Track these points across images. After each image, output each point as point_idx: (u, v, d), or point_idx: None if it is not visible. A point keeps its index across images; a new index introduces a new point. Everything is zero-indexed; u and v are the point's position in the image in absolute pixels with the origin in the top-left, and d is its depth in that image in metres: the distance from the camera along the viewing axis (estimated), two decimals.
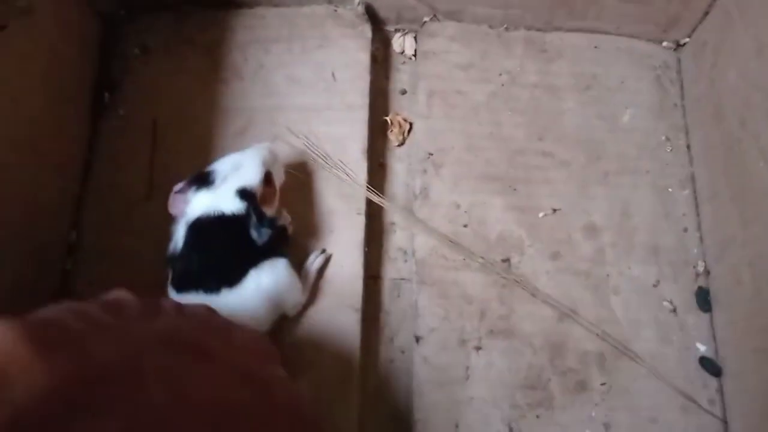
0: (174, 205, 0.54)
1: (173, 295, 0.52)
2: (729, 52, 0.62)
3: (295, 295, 0.56)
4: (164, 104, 0.65)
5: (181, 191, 0.54)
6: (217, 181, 0.53)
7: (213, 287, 0.51)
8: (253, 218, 0.52)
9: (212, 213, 0.52)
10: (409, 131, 0.68)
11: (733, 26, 0.62)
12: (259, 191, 0.53)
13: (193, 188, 0.53)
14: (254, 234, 0.52)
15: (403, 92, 0.69)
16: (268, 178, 0.55)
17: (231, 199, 0.52)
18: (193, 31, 0.67)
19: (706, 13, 0.66)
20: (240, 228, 0.52)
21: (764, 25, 0.57)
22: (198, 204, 0.52)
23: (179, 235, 0.52)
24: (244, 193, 0.52)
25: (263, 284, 0.52)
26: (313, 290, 0.58)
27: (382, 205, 0.63)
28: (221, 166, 0.54)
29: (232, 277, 0.52)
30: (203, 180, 0.53)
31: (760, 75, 0.57)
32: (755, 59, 0.58)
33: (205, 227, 0.51)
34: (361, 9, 0.66)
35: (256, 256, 0.53)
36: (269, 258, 0.53)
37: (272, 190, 0.56)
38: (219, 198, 0.52)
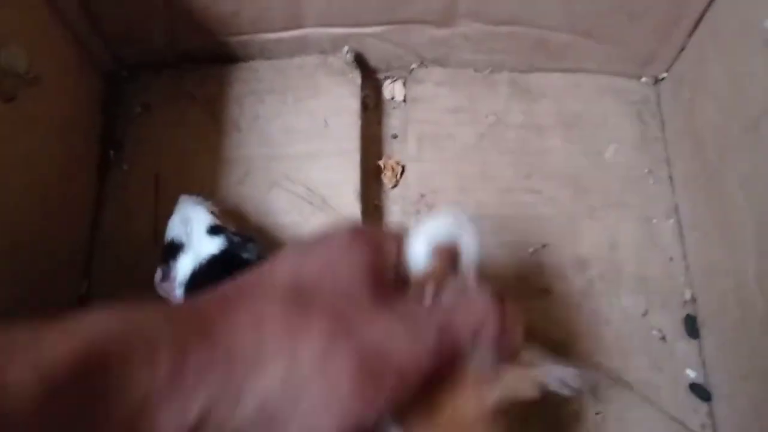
0: (166, 291, 0.55)
1: None
2: (705, 85, 0.65)
3: None
4: (166, 157, 0.68)
5: (164, 276, 0.55)
6: (185, 240, 0.55)
7: None
8: (236, 241, 0.54)
9: (200, 264, 0.54)
10: (402, 174, 0.70)
11: (707, 60, 0.64)
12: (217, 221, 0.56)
13: (171, 263, 0.55)
14: (246, 254, 0.54)
15: (395, 137, 0.72)
16: (213, 213, 0.57)
17: (207, 241, 0.54)
18: (191, 86, 0.71)
19: (682, 49, 0.69)
20: (231, 265, 0.54)
21: (737, 59, 0.59)
22: (184, 268, 0.54)
23: (179, 300, 0.54)
24: (214, 229, 0.55)
25: None
26: None
27: None
28: (175, 229, 0.56)
29: None
30: (173, 250, 0.55)
31: (735, 107, 0.59)
32: (731, 94, 0.60)
33: (200, 279, 0.54)
34: (350, 57, 0.70)
35: None
36: None
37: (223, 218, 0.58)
38: (196, 249, 0.54)
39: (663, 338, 0.64)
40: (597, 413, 0.61)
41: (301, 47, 0.70)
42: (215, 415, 0.29)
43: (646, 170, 0.70)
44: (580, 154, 0.70)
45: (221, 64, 0.72)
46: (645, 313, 0.65)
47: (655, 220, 0.69)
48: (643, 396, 0.62)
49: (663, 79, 0.73)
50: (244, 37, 0.70)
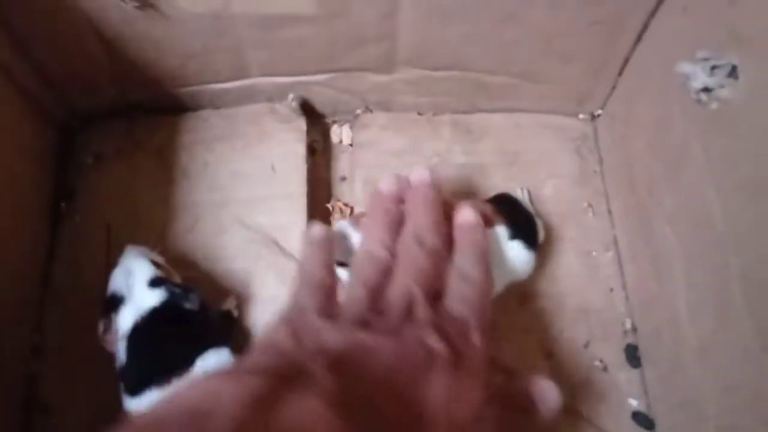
0: (109, 344, 0.57)
1: (128, 401, 0.55)
2: (635, 124, 0.68)
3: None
4: (117, 207, 0.69)
5: (105, 329, 0.57)
6: (125, 293, 0.57)
7: (162, 381, 0.54)
8: (177, 292, 0.56)
9: (141, 317, 0.55)
10: (351, 215, 0.72)
11: (635, 100, 0.67)
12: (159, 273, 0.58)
13: (112, 316, 0.57)
14: (187, 304, 0.56)
15: (344, 179, 0.74)
16: (156, 263, 0.59)
17: (148, 294, 0.56)
18: (142, 136, 0.73)
19: (614, 88, 0.72)
20: (174, 317, 0.56)
21: (659, 100, 0.62)
22: (125, 321, 0.56)
23: (121, 352, 0.56)
24: (155, 282, 0.56)
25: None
26: None
27: None
28: (117, 282, 0.58)
29: (179, 367, 0.55)
30: (114, 303, 0.57)
31: (660, 146, 0.62)
32: (655, 131, 0.63)
33: (142, 331, 0.55)
34: (295, 105, 0.72)
35: (200, 345, 0.56)
36: (214, 347, 0.57)
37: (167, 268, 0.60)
38: (137, 302, 0.56)
39: (605, 368, 0.66)
40: None
41: (248, 96, 0.72)
42: None
43: (585, 204, 0.73)
44: (521, 191, 0.72)
45: (171, 114, 0.74)
46: (587, 345, 0.67)
47: (594, 253, 0.71)
48: (590, 425, 0.63)
49: (599, 115, 0.76)
50: (193, 88, 0.72)
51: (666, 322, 0.62)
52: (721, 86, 0.50)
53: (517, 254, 0.61)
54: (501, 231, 0.61)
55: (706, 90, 0.52)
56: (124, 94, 0.71)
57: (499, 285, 0.62)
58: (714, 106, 0.51)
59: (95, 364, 0.61)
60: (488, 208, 0.62)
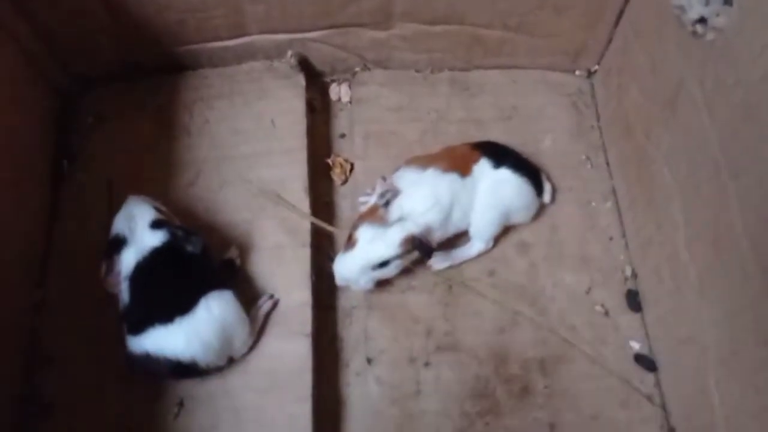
0: (111, 285, 0.57)
1: (131, 341, 0.56)
2: (630, 72, 0.69)
3: (244, 330, 0.59)
4: (119, 166, 0.70)
5: (107, 270, 0.57)
6: (128, 235, 0.57)
7: (166, 317, 0.55)
8: (179, 234, 0.56)
9: (143, 257, 0.56)
10: (351, 171, 0.73)
11: (631, 49, 0.68)
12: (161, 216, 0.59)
13: (114, 257, 0.57)
14: (189, 247, 0.57)
15: (343, 136, 0.75)
16: (158, 209, 0.60)
17: (150, 235, 0.57)
18: (142, 96, 0.73)
19: (610, 41, 0.73)
20: (176, 258, 0.56)
21: (655, 43, 0.63)
22: (128, 261, 0.56)
23: (125, 293, 0.56)
24: (157, 223, 0.57)
25: (214, 312, 0.56)
26: (263, 326, 0.62)
27: (328, 230, 0.68)
28: (119, 225, 0.58)
29: (184, 303, 0.55)
30: (117, 244, 0.57)
31: (656, 88, 0.63)
32: (650, 74, 0.64)
33: (144, 271, 0.56)
34: (294, 61, 0.73)
35: (203, 285, 0.57)
36: (216, 289, 0.57)
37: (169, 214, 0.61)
38: (139, 243, 0.57)
39: (606, 313, 0.67)
40: (545, 387, 0.63)
41: (247, 54, 0.73)
42: None
43: (583, 156, 0.74)
44: (520, 145, 0.73)
45: (171, 73, 0.74)
46: (588, 291, 0.68)
47: (593, 203, 0.72)
48: (590, 367, 0.64)
49: (595, 71, 0.77)
50: (192, 47, 0.72)
51: (665, 262, 0.63)
52: (717, 14, 0.51)
53: (508, 180, 0.64)
54: (484, 162, 0.64)
55: (702, 21, 0.53)
56: (124, 55, 0.72)
57: (497, 220, 0.65)
58: (710, 36, 0.52)
59: (96, 318, 0.62)
60: (467, 149, 0.66)
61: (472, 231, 0.66)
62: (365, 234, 0.60)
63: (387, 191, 0.61)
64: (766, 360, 0.48)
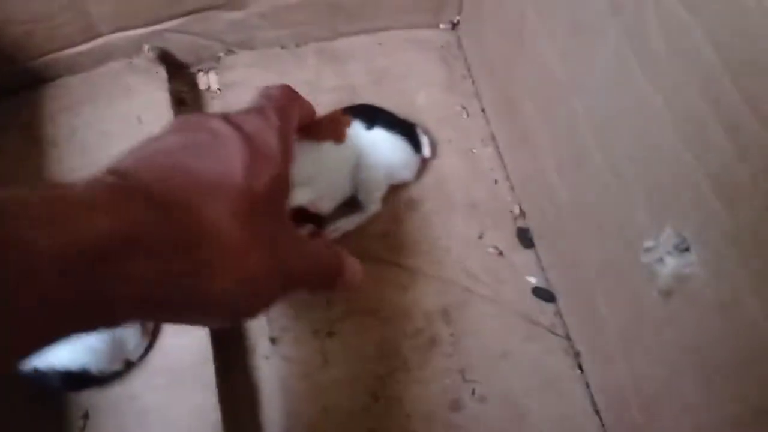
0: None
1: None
2: (486, 18, 0.70)
3: (135, 331, 0.58)
4: None
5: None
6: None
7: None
8: None
9: None
10: None
11: None
12: None
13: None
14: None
15: None
16: None
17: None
18: (5, 116, 0.70)
19: None
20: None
21: None
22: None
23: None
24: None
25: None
26: (157, 324, 0.61)
27: None
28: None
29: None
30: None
31: (505, 25, 0.64)
32: (499, 14, 0.65)
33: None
34: (152, 55, 0.71)
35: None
36: None
37: None
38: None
39: (500, 254, 0.68)
40: (450, 335, 0.64)
41: (105, 55, 0.71)
42: None
43: (458, 107, 0.75)
44: (395, 105, 0.73)
45: (31, 88, 0.72)
46: (481, 236, 0.69)
47: (475, 150, 0.73)
48: (492, 305, 0.65)
49: (458, 22, 0.78)
50: (47, 58, 0.70)
51: (544, 195, 0.64)
52: None
53: (383, 140, 0.64)
54: (356, 125, 0.64)
55: None
56: None
57: (381, 180, 0.65)
58: None
59: None
60: (338, 114, 0.65)
61: (359, 195, 0.67)
62: None
63: None
64: (634, 263, 0.49)
